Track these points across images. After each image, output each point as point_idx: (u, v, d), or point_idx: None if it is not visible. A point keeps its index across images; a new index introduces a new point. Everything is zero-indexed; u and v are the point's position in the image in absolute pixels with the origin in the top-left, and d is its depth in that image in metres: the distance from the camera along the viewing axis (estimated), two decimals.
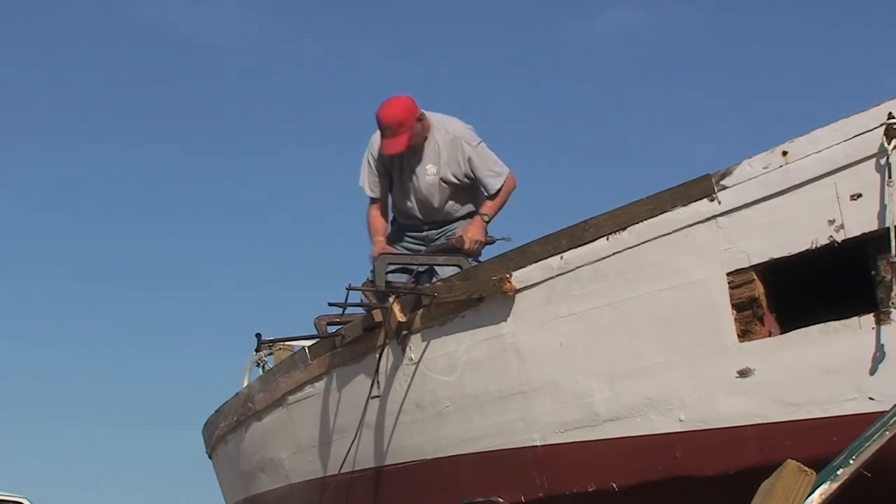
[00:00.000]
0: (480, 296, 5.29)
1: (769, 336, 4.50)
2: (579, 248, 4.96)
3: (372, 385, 5.76)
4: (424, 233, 6.75)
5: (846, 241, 4.30)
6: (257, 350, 8.00)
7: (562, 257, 5.02)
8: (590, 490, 5.02)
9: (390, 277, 6.19)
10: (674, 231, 4.68)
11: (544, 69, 25.51)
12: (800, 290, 4.59)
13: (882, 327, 4.23)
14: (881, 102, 4.23)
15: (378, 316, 5.77)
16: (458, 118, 6.68)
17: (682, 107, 25.16)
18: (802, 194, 4.38)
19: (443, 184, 6.56)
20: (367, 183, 6.76)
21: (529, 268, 5.13)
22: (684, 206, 4.65)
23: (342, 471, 6.20)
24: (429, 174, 6.55)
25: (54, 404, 24.69)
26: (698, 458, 4.66)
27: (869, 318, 4.26)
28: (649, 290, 4.76)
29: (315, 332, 6.27)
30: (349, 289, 5.84)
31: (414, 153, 6.55)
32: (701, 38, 25.92)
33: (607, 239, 4.87)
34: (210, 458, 9.04)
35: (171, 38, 27.19)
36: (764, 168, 4.46)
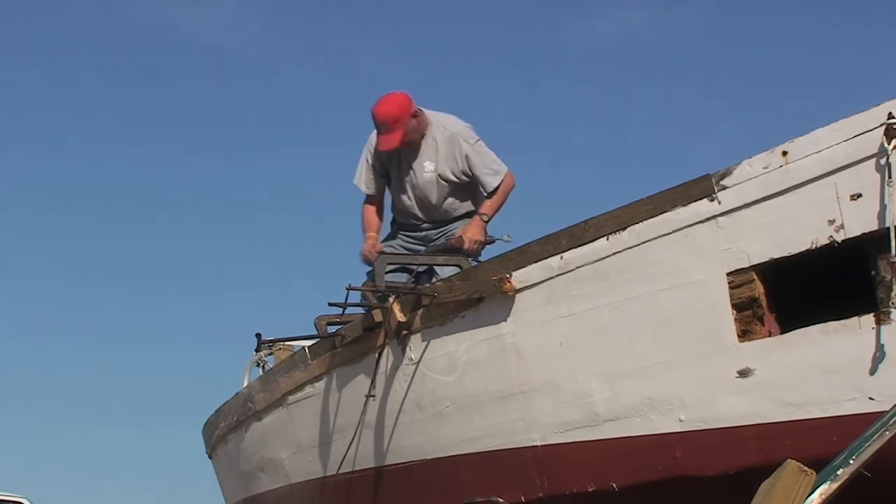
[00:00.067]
0: (480, 296, 5.29)
1: (769, 336, 4.50)
2: (579, 248, 4.96)
3: (371, 384, 5.76)
4: (424, 232, 6.75)
5: (846, 241, 4.30)
6: (257, 350, 8.00)
7: (562, 257, 5.02)
8: (590, 490, 5.02)
9: (390, 277, 6.19)
10: (674, 231, 4.68)
11: (544, 69, 25.53)
12: (800, 290, 4.59)
13: (882, 327, 4.23)
14: (881, 102, 4.23)
15: (378, 316, 5.77)
16: (457, 116, 6.68)
17: (682, 107, 25.19)
18: (802, 194, 4.38)
19: (441, 181, 6.56)
20: (363, 180, 6.78)
21: (529, 268, 5.13)
22: (684, 206, 4.65)
23: (342, 471, 6.20)
24: (426, 171, 6.55)
25: (54, 404, 24.72)
26: (698, 458, 4.65)
27: (869, 318, 4.26)
28: (649, 290, 4.76)
29: (315, 332, 6.27)
30: (349, 289, 5.84)
31: (411, 150, 6.56)
32: (701, 38, 25.95)
33: (607, 239, 4.87)
34: (210, 458, 9.04)
35: (171, 38, 27.22)
36: (764, 168, 4.46)
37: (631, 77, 25.78)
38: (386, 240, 6.85)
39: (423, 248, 6.69)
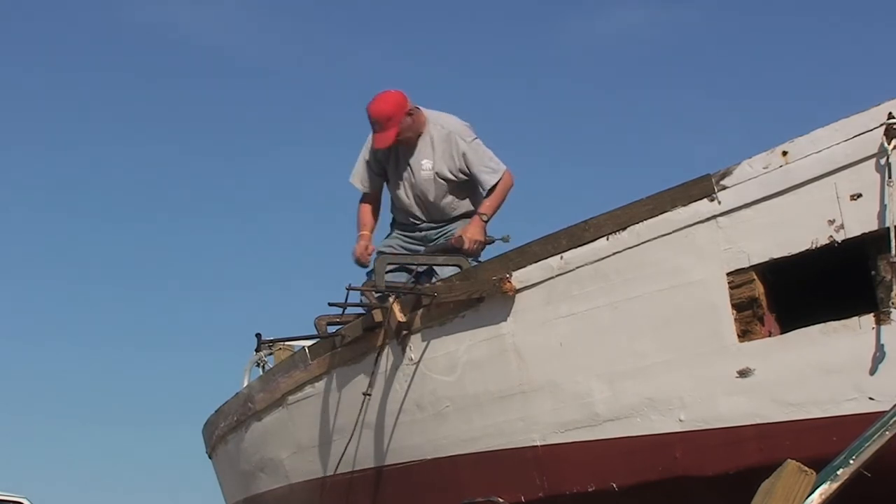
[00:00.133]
0: (480, 296, 5.29)
1: (769, 336, 4.50)
2: (579, 248, 4.96)
3: (368, 383, 5.76)
4: (423, 232, 6.74)
5: (846, 241, 4.30)
6: (257, 350, 8.00)
7: (562, 257, 5.02)
8: (590, 490, 5.02)
9: (390, 277, 6.19)
10: (674, 231, 4.68)
11: (544, 69, 25.52)
12: (800, 290, 4.59)
13: (882, 327, 4.23)
14: (881, 102, 4.23)
15: (378, 316, 5.77)
16: (455, 116, 6.69)
17: (682, 107, 25.19)
18: (802, 194, 4.38)
19: (439, 179, 6.56)
20: (359, 177, 6.80)
21: (529, 268, 5.13)
22: (684, 206, 4.65)
23: (342, 471, 6.20)
24: (424, 169, 6.55)
25: (54, 404, 24.71)
26: (698, 458, 4.65)
27: (869, 318, 4.26)
28: (649, 290, 4.76)
29: (315, 332, 6.27)
30: (349, 289, 5.85)
31: (408, 148, 6.57)
32: (701, 38, 25.94)
33: (607, 239, 4.87)
34: (210, 458, 9.04)
35: (171, 38, 27.21)
36: (764, 168, 4.46)
37: (631, 77, 25.80)
38: (385, 239, 6.85)
39: (422, 248, 6.69)
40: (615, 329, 4.86)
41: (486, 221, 6.46)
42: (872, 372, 4.24)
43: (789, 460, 3.83)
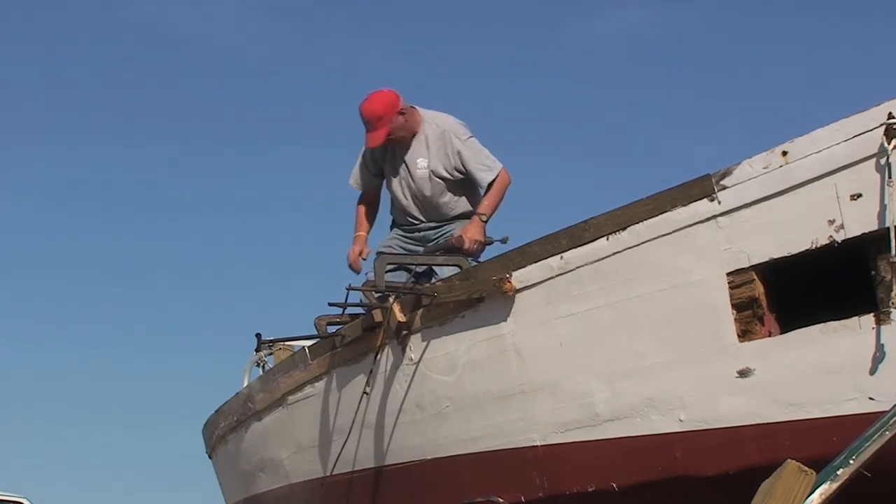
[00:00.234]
0: (480, 296, 5.29)
1: (769, 336, 4.50)
2: (579, 248, 4.96)
3: (367, 382, 5.76)
4: (422, 233, 6.74)
5: (846, 241, 4.30)
6: (257, 350, 8.00)
7: (562, 257, 5.02)
8: (590, 490, 5.01)
9: (390, 277, 6.19)
10: (674, 231, 4.68)
11: (544, 69, 25.53)
12: (800, 290, 4.59)
13: (882, 327, 4.23)
14: (881, 102, 4.23)
15: (378, 316, 5.77)
16: (453, 115, 6.69)
17: (682, 107, 25.20)
18: (802, 194, 4.38)
19: (434, 178, 6.56)
20: (355, 178, 6.85)
21: (529, 268, 5.13)
22: (684, 206, 4.65)
23: (342, 471, 6.20)
24: (419, 168, 6.56)
25: (54, 404, 24.72)
26: (698, 458, 4.65)
27: (869, 318, 4.26)
28: (649, 290, 4.76)
29: (315, 332, 6.28)
30: (349, 289, 5.85)
31: (403, 147, 6.58)
32: (701, 38, 25.95)
33: (607, 239, 4.87)
34: (210, 458, 9.04)
35: (171, 38, 27.22)
36: (764, 168, 4.46)
37: (631, 77, 25.81)
38: (384, 240, 6.85)
39: (421, 248, 6.69)
40: (615, 329, 4.86)
41: (486, 221, 6.46)
42: (872, 372, 4.24)
43: (789, 460, 3.82)
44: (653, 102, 25.49)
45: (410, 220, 6.74)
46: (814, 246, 4.36)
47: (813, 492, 3.72)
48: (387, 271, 6.11)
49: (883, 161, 4.20)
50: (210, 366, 23.34)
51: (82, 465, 23.38)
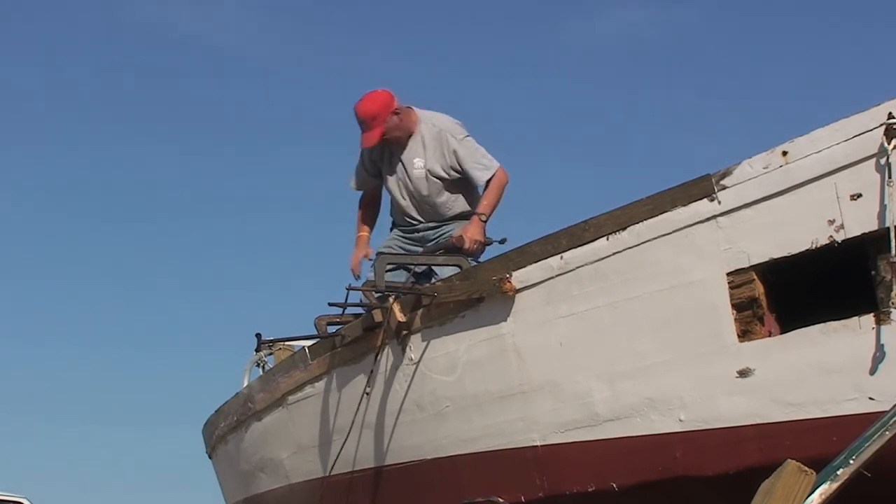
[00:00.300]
0: (480, 296, 5.29)
1: (769, 336, 4.50)
2: (579, 248, 4.96)
3: (367, 382, 5.76)
4: (421, 233, 6.74)
5: (846, 241, 4.30)
6: (257, 350, 8.00)
7: (562, 257, 5.02)
8: (590, 490, 5.01)
9: (390, 277, 6.19)
10: (674, 231, 4.68)
11: (544, 69, 25.54)
12: (799, 291, 4.59)
13: (882, 327, 4.23)
14: (881, 102, 4.23)
15: (378, 316, 5.77)
16: (451, 115, 6.69)
17: (682, 107, 25.21)
18: (802, 194, 4.38)
19: (431, 177, 6.56)
20: (354, 179, 6.88)
21: (529, 268, 5.13)
22: (684, 206, 4.65)
23: (342, 471, 6.20)
24: (416, 168, 6.57)
25: (54, 404, 24.73)
26: (698, 458, 4.65)
27: (869, 318, 4.26)
28: (649, 290, 4.76)
29: (315, 332, 6.28)
30: (349, 289, 5.85)
31: (400, 148, 6.59)
32: (701, 38, 25.96)
33: (607, 239, 4.87)
34: (210, 458, 9.04)
35: (171, 38, 27.23)
36: (764, 168, 4.46)
37: (631, 77, 25.82)
38: (384, 241, 6.86)
39: (420, 248, 6.69)
40: (615, 329, 4.86)
41: (485, 221, 6.45)
42: (872, 372, 4.24)
43: (789, 460, 3.82)
44: (653, 102, 25.52)
45: (409, 220, 6.74)
46: (814, 246, 4.36)
47: (813, 492, 3.72)
48: (387, 271, 6.11)
49: (883, 161, 4.20)
50: (210, 366, 23.37)
51: (82, 465, 23.41)
